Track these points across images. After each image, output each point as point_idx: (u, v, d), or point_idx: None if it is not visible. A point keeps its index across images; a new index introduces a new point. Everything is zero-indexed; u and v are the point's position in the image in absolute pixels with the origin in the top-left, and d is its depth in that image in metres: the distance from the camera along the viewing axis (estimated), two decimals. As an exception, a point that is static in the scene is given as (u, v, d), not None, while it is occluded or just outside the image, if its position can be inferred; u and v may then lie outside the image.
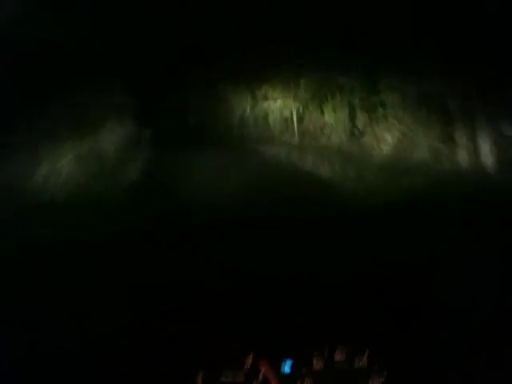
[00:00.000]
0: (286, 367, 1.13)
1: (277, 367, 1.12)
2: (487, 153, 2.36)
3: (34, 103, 2.16)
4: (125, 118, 2.84)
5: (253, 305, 1.26)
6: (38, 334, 1.18)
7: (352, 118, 3.10)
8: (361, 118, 3.02)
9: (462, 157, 2.48)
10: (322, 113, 3.25)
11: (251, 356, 1.13)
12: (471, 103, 2.43)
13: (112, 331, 1.20)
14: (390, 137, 2.93)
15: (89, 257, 1.52)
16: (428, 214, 1.71)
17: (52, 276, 1.41)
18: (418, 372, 1.09)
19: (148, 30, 2.49)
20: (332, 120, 3.19)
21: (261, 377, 1.10)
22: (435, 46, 2.38)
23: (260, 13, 2.58)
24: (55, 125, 2.28)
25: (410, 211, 1.76)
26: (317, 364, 1.13)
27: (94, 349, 1.15)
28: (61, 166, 2.32)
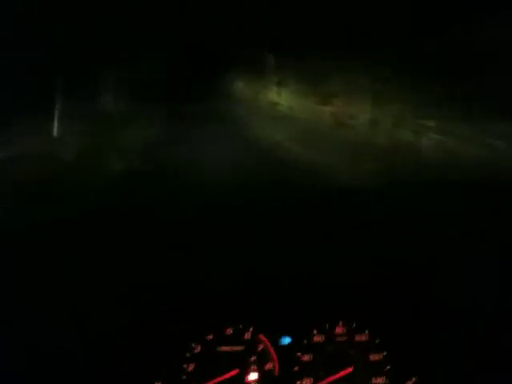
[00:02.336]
0: (285, 341, 1.15)
1: (276, 341, 1.13)
2: (488, 150, 2.35)
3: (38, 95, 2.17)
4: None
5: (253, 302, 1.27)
6: (38, 334, 1.18)
7: (347, 110, 3.09)
8: (356, 109, 3.01)
9: (464, 155, 2.47)
10: (318, 104, 3.25)
11: (251, 330, 1.14)
12: (472, 97, 2.43)
13: (112, 331, 1.20)
14: (387, 133, 2.92)
15: (89, 256, 1.52)
16: (428, 214, 1.71)
17: (52, 276, 1.41)
18: (418, 371, 1.09)
19: (148, 30, 2.50)
20: (327, 110, 3.19)
21: (260, 349, 1.11)
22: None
23: (260, 13, 2.59)
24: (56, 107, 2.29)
25: (409, 211, 1.76)
26: (317, 337, 1.14)
27: (93, 349, 1.15)
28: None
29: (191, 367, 1.12)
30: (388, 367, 1.06)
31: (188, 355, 1.11)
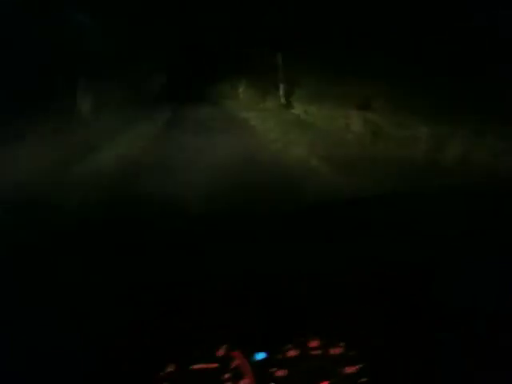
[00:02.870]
0: (259, 357, 1.12)
1: (249, 358, 1.11)
2: (488, 152, 2.36)
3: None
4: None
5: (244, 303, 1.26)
6: (38, 334, 1.18)
7: (344, 114, 3.09)
8: (351, 115, 3.02)
9: (464, 157, 2.48)
10: (319, 111, 3.25)
11: (224, 348, 1.12)
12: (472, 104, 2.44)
13: (112, 331, 1.20)
14: (385, 136, 2.92)
15: (89, 256, 1.52)
16: (428, 214, 1.71)
17: (52, 276, 1.41)
18: (417, 371, 1.09)
19: (148, 30, 2.50)
20: (324, 116, 3.19)
21: (234, 365, 1.09)
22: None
23: (260, 13, 2.59)
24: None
25: (409, 211, 1.77)
26: (291, 352, 1.12)
27: (93, 349, 1.15)
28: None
29: None
30: (364, 379, 1.05)
31: (161, 374, 1.08)
